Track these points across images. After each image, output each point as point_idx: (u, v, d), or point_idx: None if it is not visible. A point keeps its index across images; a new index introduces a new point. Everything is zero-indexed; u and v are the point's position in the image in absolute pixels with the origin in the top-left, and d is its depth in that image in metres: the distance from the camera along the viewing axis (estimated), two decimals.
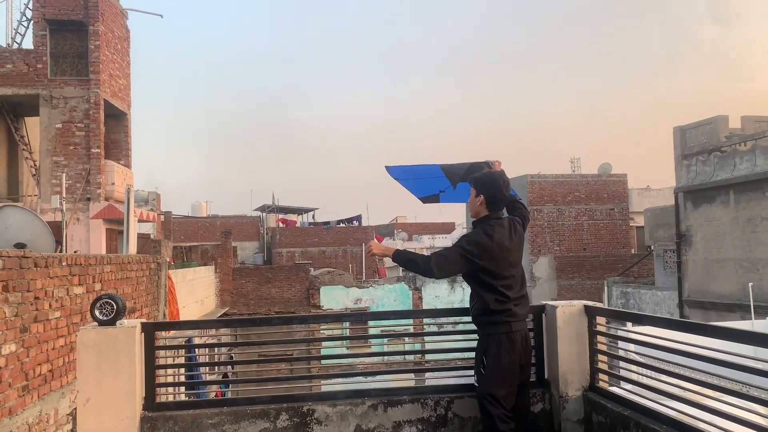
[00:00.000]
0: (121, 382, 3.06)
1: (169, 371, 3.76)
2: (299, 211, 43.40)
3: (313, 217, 44.11)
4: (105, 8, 16.41)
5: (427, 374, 3.98)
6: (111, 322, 3.10)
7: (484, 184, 3.39)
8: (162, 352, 3.50)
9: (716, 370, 2.61)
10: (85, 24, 16.02)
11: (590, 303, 3.57)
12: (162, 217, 21.94)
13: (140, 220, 17.32)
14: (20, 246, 6.89)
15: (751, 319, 11.92)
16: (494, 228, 3.28)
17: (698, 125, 17.17)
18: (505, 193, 3.38)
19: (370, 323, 4.14)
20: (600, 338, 3.48)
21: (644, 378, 3.26)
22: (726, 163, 15.67)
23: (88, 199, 15.94)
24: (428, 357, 4.28)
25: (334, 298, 24.37)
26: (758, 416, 2.46)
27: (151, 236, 19.63)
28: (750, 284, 13.51)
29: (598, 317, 3.49)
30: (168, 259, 13.08)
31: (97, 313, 3.11)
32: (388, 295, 24.83)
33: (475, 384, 3.25)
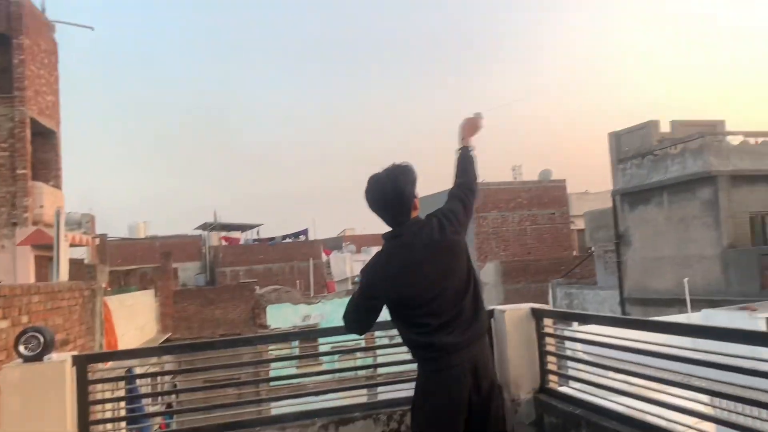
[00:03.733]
0: (50, 425, 2.82)
1: (107, 406, 3.53)
2: (243, 227, 42.45)
3: (257, 233, 43.24)
4: (29, 20, 15.60)
5: (379, 388, 3.90)
6: (38, 358, 2.87)
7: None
8: (99, 386, 3.28)
9: (659, 363, 2.67)
10: (8, 37, 15.20)
11: (537, 305, 3.60)
12: (97, 240, 20.94)
13: (72, 245, 16.46)
14: None
15: (687, 312, 12.52)
16: (388, 253, 2.62)
17: (632, 130, 17.98)
18: (386, 203, 2.60)
19: (320, 340, 4.04)
20: (548, 339, 3.51)
21: (592, 376, 3.31)
22: (659, 166, 16.48)
23: (14, 224, 15.00)
24: (380, 371, 4.19)
25: (281, 316, 23.90)
26: (701, 404, 2.54)
27: (85, 261, 18.70)
28: (685, 279, 14.19)
29: (545, 319, 3.52)
30: (104, 285, 12.47)
31: (21, 348, 2.87)
32: (338, 309, 24.25)
33: None
